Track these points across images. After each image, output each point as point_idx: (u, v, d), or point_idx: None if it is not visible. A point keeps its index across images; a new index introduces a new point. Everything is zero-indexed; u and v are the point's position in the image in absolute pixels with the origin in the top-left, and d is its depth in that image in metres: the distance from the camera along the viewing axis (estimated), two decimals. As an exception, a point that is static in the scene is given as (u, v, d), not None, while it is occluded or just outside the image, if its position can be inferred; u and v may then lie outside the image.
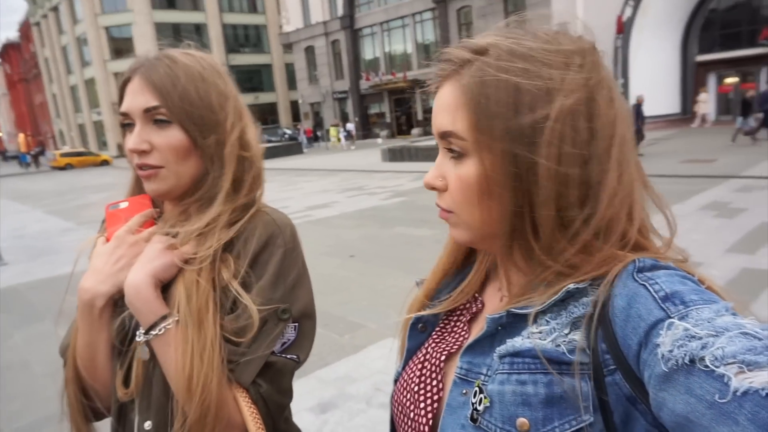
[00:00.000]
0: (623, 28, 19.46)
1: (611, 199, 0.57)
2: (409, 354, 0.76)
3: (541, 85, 0.56)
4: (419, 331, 0.76)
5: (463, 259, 0.78)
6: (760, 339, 0.42)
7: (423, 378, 0.70)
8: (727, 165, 11.08)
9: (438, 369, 0.69)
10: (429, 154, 17.46)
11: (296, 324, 0.91)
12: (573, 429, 0.51)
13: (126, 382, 0.91)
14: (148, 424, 0.88)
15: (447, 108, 0.61)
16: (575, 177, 0.56)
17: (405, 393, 0.72)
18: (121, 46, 44.22)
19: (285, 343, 0.90)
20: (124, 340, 0.92)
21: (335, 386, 3.53)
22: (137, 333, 0.88)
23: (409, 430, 0.69)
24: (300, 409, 3.21)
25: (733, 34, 22.40)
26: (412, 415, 0.69)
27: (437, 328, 0.76)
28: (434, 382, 0.68)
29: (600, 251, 0.57)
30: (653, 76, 20.87)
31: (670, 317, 0.47)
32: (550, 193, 0.56)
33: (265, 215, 0.95)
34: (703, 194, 8.63)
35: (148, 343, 0.87)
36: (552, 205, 0.57)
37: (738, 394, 0.39)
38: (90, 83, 47.43)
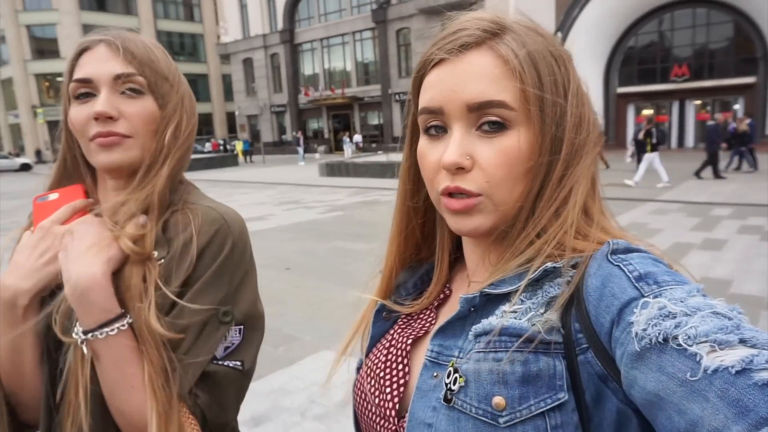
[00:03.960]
0: (552, 58, 20.57)
1: (588, 177, 0.61)
2: (373, 341, 0.74)
3: (561, 58, 0.61)
4: (384, 320, 0.75)
5: (413, 253, 0.77)
6: (730, 318, 0.43)
7: (389, 363, 0.68)
8: (644, 189, 11.89)
9: (404, 353, 0.68)
10: (367, 170, 17.57)
11: (241, 327, 0.85)
12: (548, 407, 0.51)
13: (55, 387, 0.82)
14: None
15: (486, 76, 0.57)
16: (579, 150, 0.60)
17: (369, 380, 0.69)
18: (44, 47, 41.74)
19: (228, 347, 0.83)
20: (51, 342, 0.83)
21: (269, 399, 3.44)
22: (75, 331, 0.79)
23: (374, 416, 0.67)
24: (231, 423, 3.10)
25: (649, 69, 24.34)
26: (377, 401, 0.67)
27: (403, 316, 0.74)
28: (400, 366, 0.67)
29: (587, 231, 0.59)
30: (579, 105, 22.12)
31: (644, 296, 0.47)
32: (567, 167, 0.59)
33: (211, 210, 0.87)
34: (622, 216, 9.17)
35: (88, 343, 0.78)
36: (560, 179, 0.58)
37: (709, 372, 0.40)
38: (7, 84, 44.25)
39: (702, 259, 6.28)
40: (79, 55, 0.87)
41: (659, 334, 0.43)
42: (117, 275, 0.81)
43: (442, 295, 0.73)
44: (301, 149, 28.78)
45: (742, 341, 0.41)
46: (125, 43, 0.86)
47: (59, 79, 0.91)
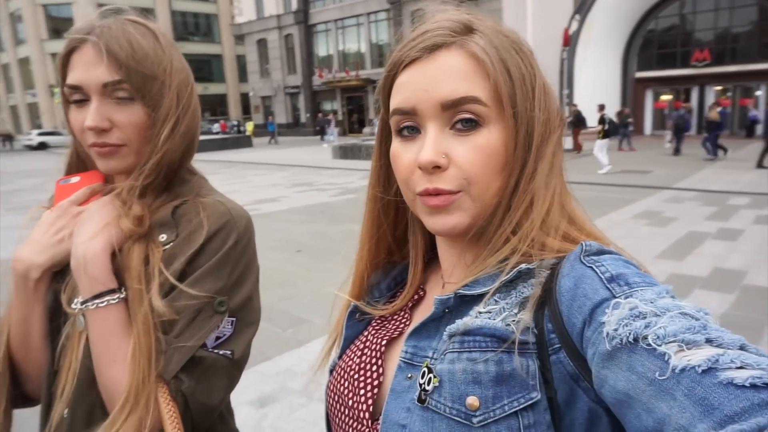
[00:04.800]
0: (569, 41, 20.21)
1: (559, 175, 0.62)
2: (347, 343, 0.74)
3: (526, 55, 0.61)
4: (357, 321, 0.75)
5: (385, 256, 0.77)
6: (697, 319, 0.44)
7: (363, 365, 0.68)
8: (661, 177, 11.73)
9: (378, 354, 0.67)
10: (379, 154, 17.50)
11: (233, 319, 0.86)
12: (521, 406, 0.51)
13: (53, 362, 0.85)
14: (66, 412, 0.82)
15: (459, 74, 0.58)
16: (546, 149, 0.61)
17: (342, 381, 0.69)
18: (60, 26, 41.87)
19: (220, 337, 0.84)
20: (55, 315, 0.87)
21: (276, 380, 3.49)
22: (74, 301, 0.82)
23: (346, 419, 0.67)
24: (239, 403, 3.15)
25: (668, 54, 23.79)
26: (350, 403, 0.66)
27: (377, 317, 0.74)
28: (374, 368, 0.66)
29: (559, 225, 0.59)
30: (596, 90, 21.82)
31: (615, 297, 0.48)
32: (538, 164, 0.60)
33: (220, 205, 0.90)
34: (637, 203, 9.09)
35: (84, 315, 0.81)
36: (532, 174, 0.59)
37: (676, 371, 0.40)
38: (24, 63, 44.72)
39: (716, 249, 6.19)
40: (69, 53, 0.86)
41: (630, 334, 0.44)
42: (120, 254, 0.85)
43: (416, 296, 0.73)
44: (333, 129, 28.16)
45: (709, 341, 0.42)
46: (109, 44, 0.83)
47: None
